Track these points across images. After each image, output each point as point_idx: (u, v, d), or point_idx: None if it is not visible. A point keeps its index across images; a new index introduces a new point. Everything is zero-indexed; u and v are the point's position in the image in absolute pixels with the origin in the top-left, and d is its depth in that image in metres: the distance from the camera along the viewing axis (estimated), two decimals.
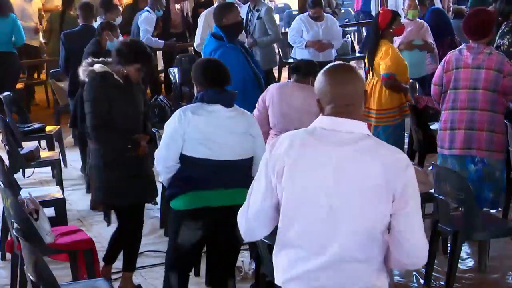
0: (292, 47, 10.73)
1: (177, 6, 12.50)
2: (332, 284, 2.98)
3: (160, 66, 12.48)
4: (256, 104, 6.43)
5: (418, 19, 9.36)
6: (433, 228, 5.76)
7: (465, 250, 6.09)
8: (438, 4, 11.36)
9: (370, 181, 2.92)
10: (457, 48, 6.43)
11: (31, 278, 4.22)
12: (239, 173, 4.64)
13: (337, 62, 3.22)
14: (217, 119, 4.62)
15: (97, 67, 5.47)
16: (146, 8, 11.40)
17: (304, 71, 6.44)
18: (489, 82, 6.12)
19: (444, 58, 6.43)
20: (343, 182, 2.94)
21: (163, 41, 11.36)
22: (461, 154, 6.26)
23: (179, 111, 4.67)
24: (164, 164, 4.71)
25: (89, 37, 8.12)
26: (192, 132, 4.58)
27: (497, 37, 7.48)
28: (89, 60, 5.60)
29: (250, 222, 3.16)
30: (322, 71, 3.10)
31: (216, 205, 4.59)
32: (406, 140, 8.68)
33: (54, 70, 10.68)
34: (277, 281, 3.11)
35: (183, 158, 4.64)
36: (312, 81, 6.63)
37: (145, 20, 11.17)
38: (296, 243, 3.01)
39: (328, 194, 2.95)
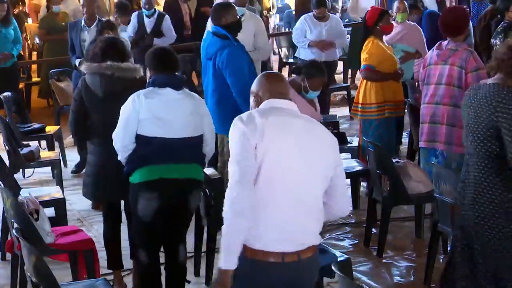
0: (294, 47, 10.71)
1: (185, 6, 12.45)
2: (303, 228, 3.67)
3: None
4: None
5: (408, 22, 9.25)
6: (433, 228, 5.77)
7: None
8: (431, 6, 11.29)
9: (324, 141, 3.73)
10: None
11: (31, 278, 4.23)
12: (189, 150, 5.10)
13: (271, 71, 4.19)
14: (167, 101, 5.07)
15: None
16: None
17: (298, 69, 6.64)
18: (452, 77, 6.40)
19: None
20: (308, 143, 3.66)
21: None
22: (426, 147, 6.64)
23: (133, 95, 5.08)
24: (121, 144, 5.12)
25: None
26: (145, 113, 5.02)
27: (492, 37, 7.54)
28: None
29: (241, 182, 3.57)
30: (260, 75, 3.90)
31: (169, 177, 5.02)
32: (406, 140, 8.68)
33: (53, 70, 10.67)
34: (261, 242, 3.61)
35: (138, 138, 5.07)
36: (300, 80, 6.49)
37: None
38: (274, 199, 3.60)
39: (300, 154, 3.62)
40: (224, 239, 3.53)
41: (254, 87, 3.85)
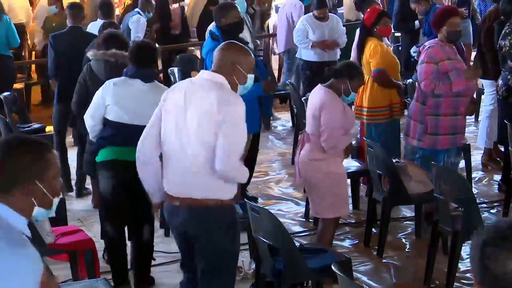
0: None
1: (175, 5, 12.41)
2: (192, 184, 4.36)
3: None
4: None
5: None
6: (433, 228, 5.77)
7: (465, 250, 6.08)
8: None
9: (208, 111, 4.27)
10: None
11: None
12: None
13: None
14: (133, 91, 5.51)
15: None
16: (137, 10, 10.87)
17: (338, 72, 5.88)
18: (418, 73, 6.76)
19: None
20: (191, 115, 4.31)
21: None
22: None
23: (107, 82, 5.62)
24: (89, 123, 5.68)
25: (78, 39, 7.95)
26: (110, 99, 5.52)
27: (499, 38, 7.45)
28: None
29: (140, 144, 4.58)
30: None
31: (121, 159, 5.44)
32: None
33: None
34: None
35: (104, 121, 5.60)
36: (342, 83, 5.80)
37: (137, 24, 10.57)
38: (167, 157, 4.45)
39: (183, 125, 4.32)
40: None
41: None
